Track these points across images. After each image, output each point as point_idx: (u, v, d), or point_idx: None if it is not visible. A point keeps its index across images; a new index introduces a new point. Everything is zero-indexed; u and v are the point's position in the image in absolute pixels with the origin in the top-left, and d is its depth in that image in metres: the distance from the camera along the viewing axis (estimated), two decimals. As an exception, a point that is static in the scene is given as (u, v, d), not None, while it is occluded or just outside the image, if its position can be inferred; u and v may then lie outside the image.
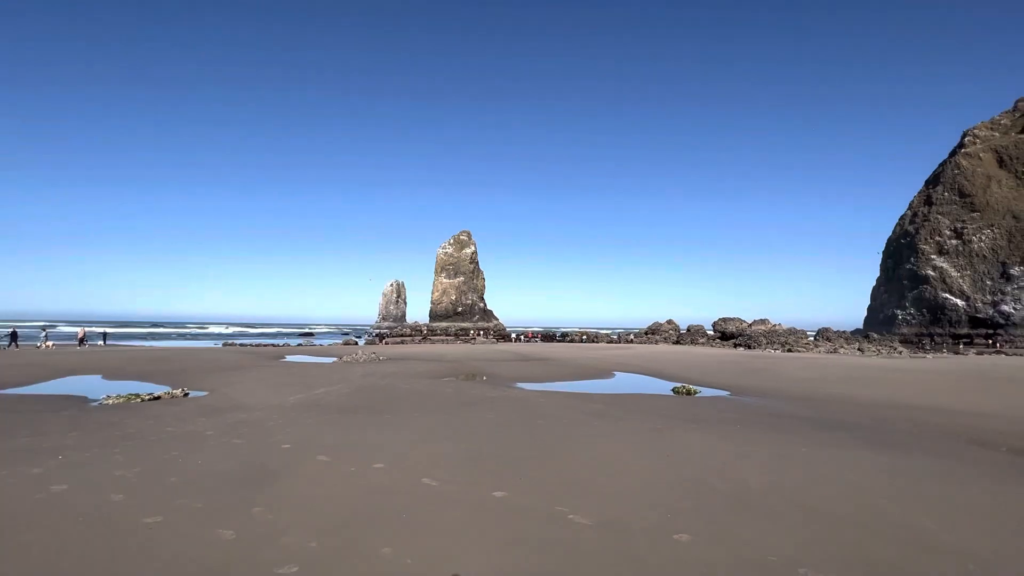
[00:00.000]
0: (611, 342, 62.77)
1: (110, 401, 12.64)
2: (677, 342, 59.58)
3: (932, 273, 56.02)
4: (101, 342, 47.27)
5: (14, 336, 36.33)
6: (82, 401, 13.17)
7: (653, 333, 66.83)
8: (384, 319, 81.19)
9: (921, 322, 56.38)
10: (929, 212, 59.17)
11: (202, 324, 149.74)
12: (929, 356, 39.16)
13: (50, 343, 37.17)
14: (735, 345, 51.63)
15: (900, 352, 43.84)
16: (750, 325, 60.31)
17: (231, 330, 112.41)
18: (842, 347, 46.08)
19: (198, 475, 6.41)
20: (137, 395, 13.21)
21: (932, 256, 56.76)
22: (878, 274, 68.31)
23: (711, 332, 62.65)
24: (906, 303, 58.54)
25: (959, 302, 53.38)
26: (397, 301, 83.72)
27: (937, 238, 57.02)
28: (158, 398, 13.23)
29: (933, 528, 4.93)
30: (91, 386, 16.61)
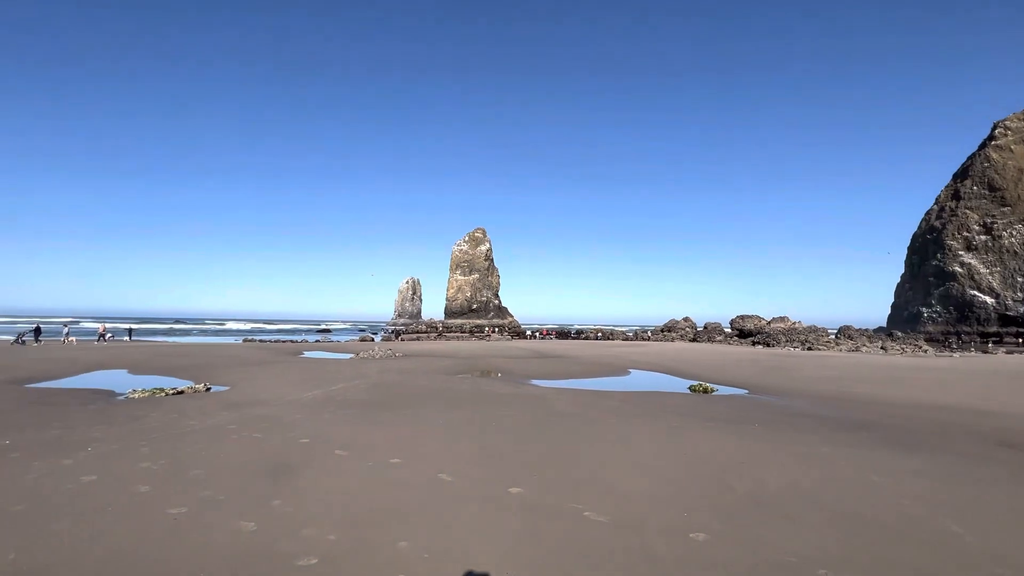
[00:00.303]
0: (627, 339, 62.37)
1: (136, 395, 12.99)
2: (694, 340, 58.93)
3: (960, 270, 54.38)
4: (127, 337, 48.75)
5: (38, 331, 37.60)
6: (109, 395, 13.56)
7: (669, 331, 66.20)
8: (400, 316, 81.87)
9: (948, 320, 54.82)
10: (957, 207, 57.38)
11: (220, 320, 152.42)
12: (956, 355, 38.07)
13: (72, 339, 38.51)
14: (753, 343, 50.85)
15: (925, 351, 42.69)
16: (769, 323, 59.34)
17: (249, 326, 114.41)
18: (864, 345, 45.04)
19: (220, 468, 6.56)
20: (161, 389, 13.56)
21: (960, 252, 55.07)
22: (902, 271, 66.61)
23: (728, 330, 61.78)
24: (932, 300, 56.95)
25: (988, 299, 51.73)
26: (413, 298, 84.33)
27: (965, 233, 55.29)
28: (181, 392, 13.56)
29: (960, 531, 4.81)
30: (117, 380, 17.09)
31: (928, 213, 63.11)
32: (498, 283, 75.00)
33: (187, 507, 5.14)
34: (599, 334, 69.34)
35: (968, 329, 52.26)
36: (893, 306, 66.67)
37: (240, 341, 49.25)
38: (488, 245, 74.06)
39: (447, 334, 64.13)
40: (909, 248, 65.77)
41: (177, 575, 3.80)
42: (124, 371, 19.84)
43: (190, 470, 6.43)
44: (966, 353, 41.58)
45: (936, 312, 56.25)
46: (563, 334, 72.50)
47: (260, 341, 49.60)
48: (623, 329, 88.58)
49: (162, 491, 5.62)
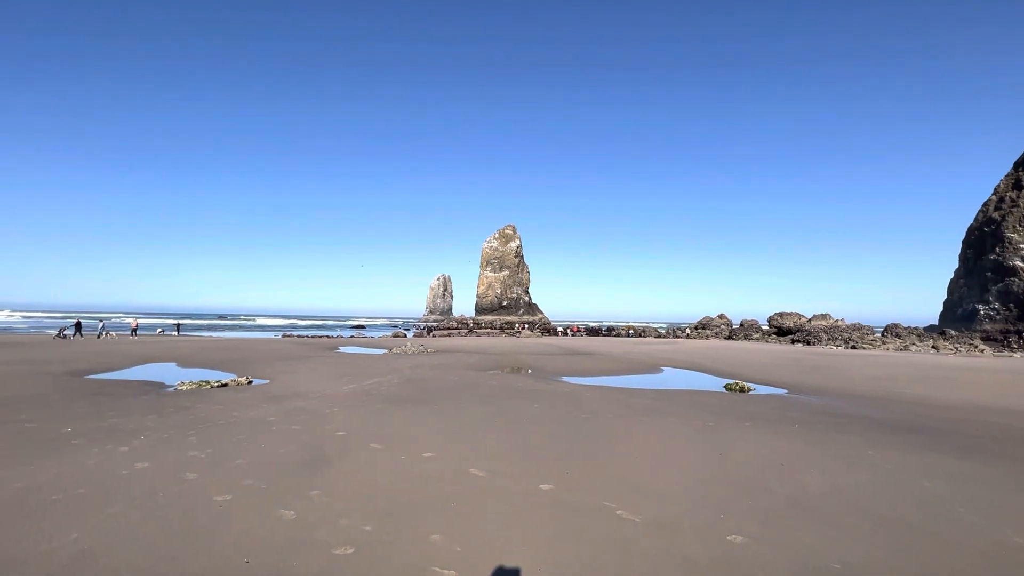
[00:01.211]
0: (659, 337, 61.30)
1: (183, 387, 13.64)
2: (729, 337, 57.36)
3: (1021, 264, 50.92)
4: (175, 332, 51.30)
5: (78, 326, 39.88)
6: (159, 386, 14.28)
7: (704, 328, 64.69)
8: (431, 312, 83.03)
9: (1007, 318, 51.39)
10: (1019, 197, 53.68)
11: (253, 316, 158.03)
12: (1017, 355, 35.71)
13: (113, 333, 41.29)
14: (793, 341, 49.11)
15: (982, 351, 40.22)
16: (809, 320, 57.20)
17: (285, 322, 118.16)
18: (914, 344, 42.81)
19: (262, 458, 6.82)
20: (207, 382, 14.19)
21: (1021, 245, 51.56)
22: (956, 265, 62.86)
23: (766, 327, 59.89)
24: (989, 297, 53.52)
25: (1053, 296, 48.24)
26: (444, 295, 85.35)
27: (1028, 225, 51.68)
28: (225, 385, 14.16)
29: (1021, 542, 4.51)
30: (166, 373, 17.98)
31: (986, 204, 59.29)
32: (528, 280, 74.97)
33: (231, 495, 5.37)
34: (631, 331, 68.41)
35: (1030, 328, 48.86)
36: (946, 303, 63.04)
37: (279, 336, 51.00)
38: (518, 242, 74.11)
39: (478, 331, 64.58)
40: (964, 241, 61.98)
41: (223, 559, 3.97)
42: (173, 364, 20.85)
43: (234, 460, 6.71)
44: (1028, 353, 38.89)
45: (994, 309, 52.85)
46: (594, 331, 71.86)
47: (298, 336, 51.24)
48: (656, 326, 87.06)
49: (208, 479, 5.88)
